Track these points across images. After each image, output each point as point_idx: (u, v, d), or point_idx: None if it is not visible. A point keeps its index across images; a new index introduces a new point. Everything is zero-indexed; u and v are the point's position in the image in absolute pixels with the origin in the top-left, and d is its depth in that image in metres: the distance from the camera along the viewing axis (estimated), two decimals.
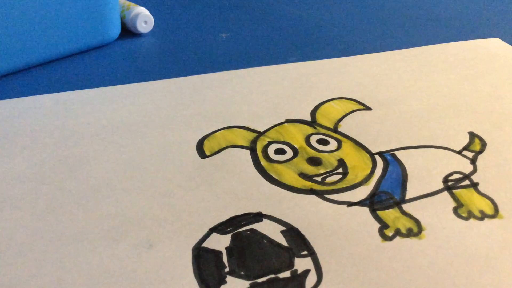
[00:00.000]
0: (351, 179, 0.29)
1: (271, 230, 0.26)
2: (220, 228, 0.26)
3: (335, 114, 0.35)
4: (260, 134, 0.33)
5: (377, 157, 0.31)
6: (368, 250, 0.25)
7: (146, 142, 0.32)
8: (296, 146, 0.32)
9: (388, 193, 0.28)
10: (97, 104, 0.36)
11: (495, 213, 0.27)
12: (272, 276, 0.23)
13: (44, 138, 0.32)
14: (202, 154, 0.31)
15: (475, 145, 0.32)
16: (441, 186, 0.29)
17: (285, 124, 0.34)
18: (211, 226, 0.26)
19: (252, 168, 0.30)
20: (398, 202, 0.27)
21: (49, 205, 0.27)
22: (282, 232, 0.26)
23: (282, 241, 0.25)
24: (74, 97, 0.37)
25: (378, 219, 0.26)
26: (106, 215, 0.27)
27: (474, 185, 0.29)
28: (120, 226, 0.26)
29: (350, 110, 0.35)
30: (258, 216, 0.26)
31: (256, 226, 0.26)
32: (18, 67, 0.40)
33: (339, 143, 0.32)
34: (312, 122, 0.34)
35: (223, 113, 0.35)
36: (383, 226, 0.26)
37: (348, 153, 0.31)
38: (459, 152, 0.31)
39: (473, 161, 0.31)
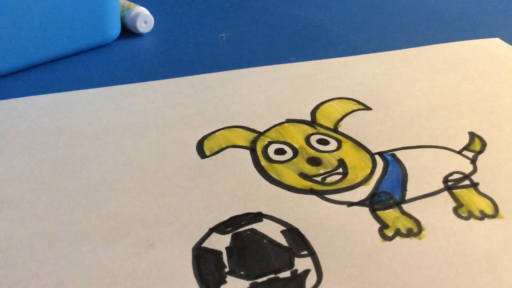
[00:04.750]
0: (351, 179, 0.29)
1: (271, 230, 0.26)
2: (220, 228, 0.26)
3: (335, 114, 0.35)
4: (260, 134, 0.33)
5: (377, 157, 0.31)
6: (368, 250, 0.25)
7: (146, 142, 0.32)
8: (296, 146, 0.32)
9: (388, 193, 0.28)
10: (97, 104, 0.36)
11: (495, 213, 0.27)
12: (272, 276, 0.23)
13: (44, 138, 0.32)
14: (202, 154, 0.31)
15: (475, 145, 0.32)
16: (441, 186, 0.29)
17: (285, 124, 0.34)
18: (211, 226, 0.26)
19: (252, 168, 0.30)
20: (398, 202, 0.27)
21: (49, 205, 0.27)
22: (282, 232, 0.26)
23: (282, 241, 0.25)
24: (74, 97, 0.37)
25: (378, 219, 0.26)
26: (106, 215, 0.27)
27: (474, 185, 0.29)
28: (120, 226, 0.26)
29: (350, 110, 0.35)
30: (258, 216, 0.26)
31: (256, 226, 0.26)
32: (18, 67, 0.40)
33: (339, 143, 0.32)
34: (312, 122, 0.34)
35: (223, 113, 0.35)
36: (383, 226, 0.26)
37: (348, 153, 0.31)
38: (459, 152, 0.31)
39: (473, 161, 0.31)
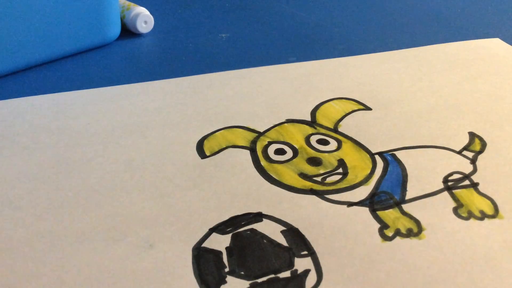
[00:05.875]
0: (351, 179, 0.29)
1: (271, 230, 0.26)
2: (220, 228, 0.26)
3: (335, 114, 0.35)
4: (260, 134, 0.33)
5: (377, 157, 0.31)
6: (368, 250, 0.25)
7: (146, 142, 0.32)
8: (296, 146, 0.32)
9: (388, 193, 0.28)
10: (97, 104, 0.36)
11: (495, 213, 0.27)
12: (272, 276, 0.23)
13: (44, 138, 0.32)
14: (202, 154, 0.31)
15: (475, 145, 0.32)
16: (441, 186, 0.29)
17: (285, 124, 0.34)
18: (211, 226, 0.26)
19: (252, 168, 0.30)
20: (398, 202, 0.27)
21: (49, 205, 0.27)
22: (282, 232, 0.26)
23: (282, 241, 0.25)
24: (74, 97, 0.37)
25: (378, 219, 0.26)
26: (106, 215, 0.27)
27: (474, 185, 0.29)
28: (120, 226, 0.26)
29: (350, 110, 0.35)
30: (258, 216, 0.26)
31: (256, 226, 0.26)
32: (18, 67, 0.40)
33: (339, 143, 0.32)
34: (312, 122, 0.34)
35: (223, 113, 0.35)
36: (383, 226, 0.26)
37: (348, 153, 0.31)
38: (459, 152, 0.31)
39: (473, 161, 0.31)
